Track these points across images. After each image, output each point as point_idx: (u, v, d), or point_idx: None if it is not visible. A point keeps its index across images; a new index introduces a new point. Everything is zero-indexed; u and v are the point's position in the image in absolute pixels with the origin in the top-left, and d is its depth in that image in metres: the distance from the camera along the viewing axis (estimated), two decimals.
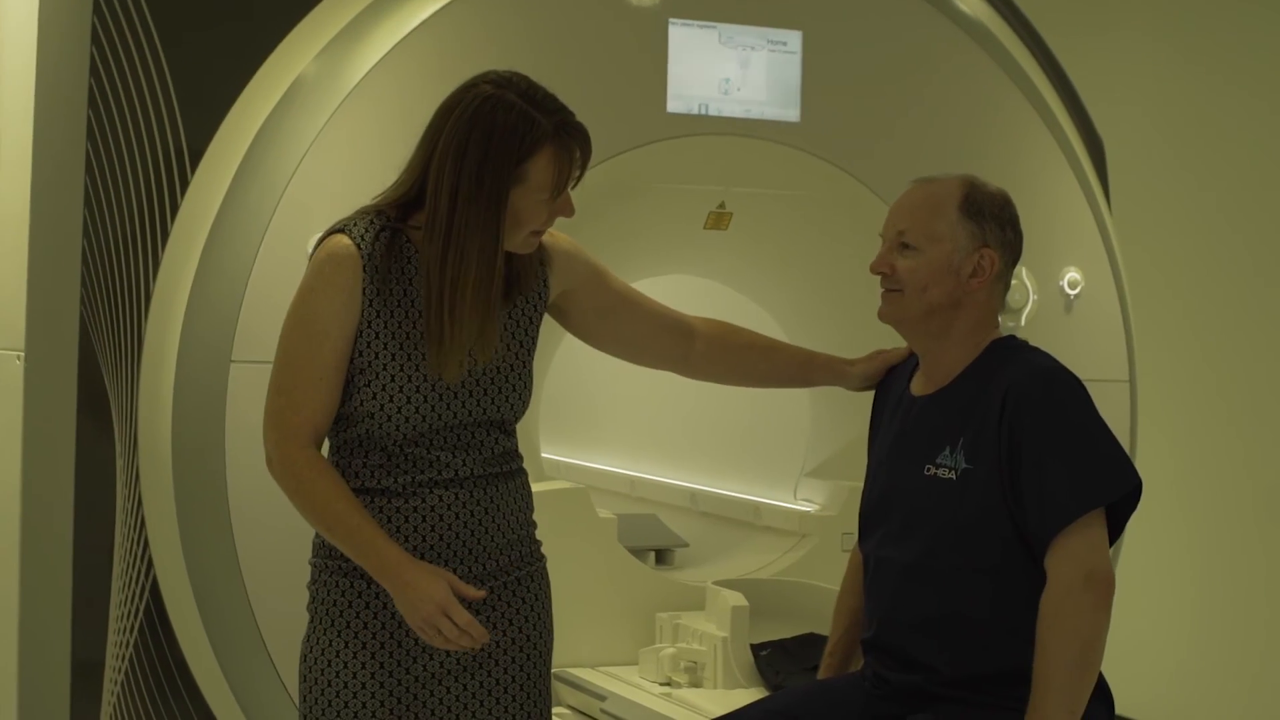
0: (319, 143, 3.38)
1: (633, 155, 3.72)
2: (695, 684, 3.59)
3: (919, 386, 2.92)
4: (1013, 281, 4.05)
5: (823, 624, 3.60)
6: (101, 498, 3.54)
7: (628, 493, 5.06)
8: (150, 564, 3.49)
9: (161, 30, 3.47)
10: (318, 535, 2.71)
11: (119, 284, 3.51)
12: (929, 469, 2.81)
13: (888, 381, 3.05)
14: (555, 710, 3.64)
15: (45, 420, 3.57)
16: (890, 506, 2.88)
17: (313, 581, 2.74)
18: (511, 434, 2.79)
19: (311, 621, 2.72)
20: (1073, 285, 4.21)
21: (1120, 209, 4.57)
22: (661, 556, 4.48)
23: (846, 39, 3.94)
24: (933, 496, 2.80)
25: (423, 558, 2.64)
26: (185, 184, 3.49)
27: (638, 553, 4.10)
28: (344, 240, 2.64)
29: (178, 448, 3.38)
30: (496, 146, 2.59)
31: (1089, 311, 4.25)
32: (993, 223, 2.86)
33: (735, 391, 3.89)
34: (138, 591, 3.52)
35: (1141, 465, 4.33)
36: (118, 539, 3.54)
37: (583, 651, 3.74)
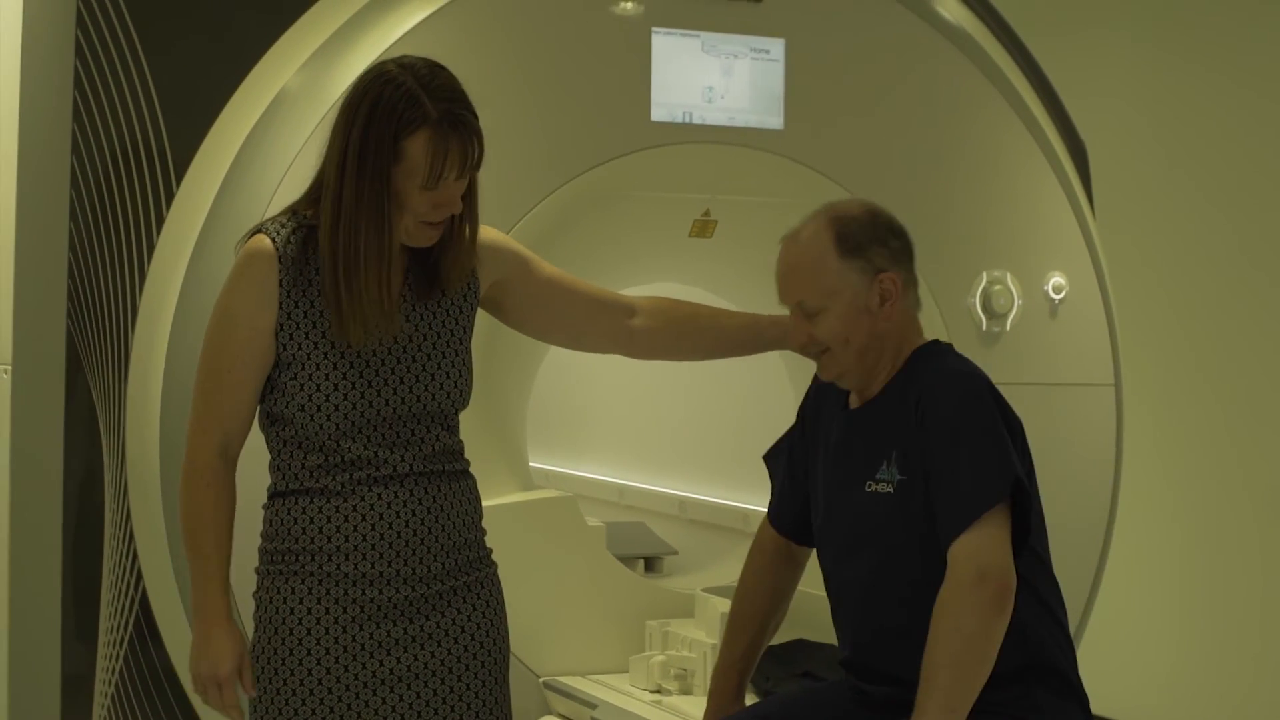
0: (304, 154, 3.38)
1: (617, 164, 3.72)
2: (685, 691, 3.59)
3: (852, 399, 2.92)
4: (995, 287, 4.13)
5: (812, 630, 3.61)
6: (90, 510, 3.54)
7: (616, 501, 5.06)
8: (139, 576, 3.50)
9: (146, 43, 3.48)
10: (263, 544, 2.75)
11: (105, 296, 3.52)
12: (870, 485, 2.81)
13: (817, 388, 3.02)
14: (545, 719, 3.65)
15: (33, 433, 3.57)
16: (838, 524, 2.88)
17: (259, 588, 2.74)
18: (453, 431, 2.79)
19: (257, 630, 2.72)
20: (1057, 290, 4.22)
21: (1103, 211, 4.58)
22: (650, 564, 4.49)
23: (829, 46, 3.95)
24: (876, 513, 2.79)
25: (365, 558, 2.67)
26: (171, 196, 3.50)
27: (626, 560, 4.10)
28: (259, 238, 2.69)
29: (165, 460, 3.38)
30: (378, 120, 2.60)
31: (1074, 316, 4.25)
32: (874, 246, 2.83)
33: (723, 399, 3.90)
34: (127, 604, 3.52)
35: (1128, 469, 4.36)
36: (106, 551, 3.54)
37: (572, 659, 3.74)
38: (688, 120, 3.80)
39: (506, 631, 2.85)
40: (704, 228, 4.04)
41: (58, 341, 3.53)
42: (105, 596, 3.55)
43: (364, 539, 2.67)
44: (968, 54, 4.11)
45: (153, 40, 3.48)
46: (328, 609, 2.66)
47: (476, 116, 2.70)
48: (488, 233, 2.85)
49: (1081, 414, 4.26)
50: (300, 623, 2.67)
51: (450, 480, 2.76)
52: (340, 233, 2.61)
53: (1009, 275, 4.14)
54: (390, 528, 2.68)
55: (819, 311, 2.81)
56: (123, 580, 3.52)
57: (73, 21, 3.47)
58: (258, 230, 2.71)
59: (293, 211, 2.72)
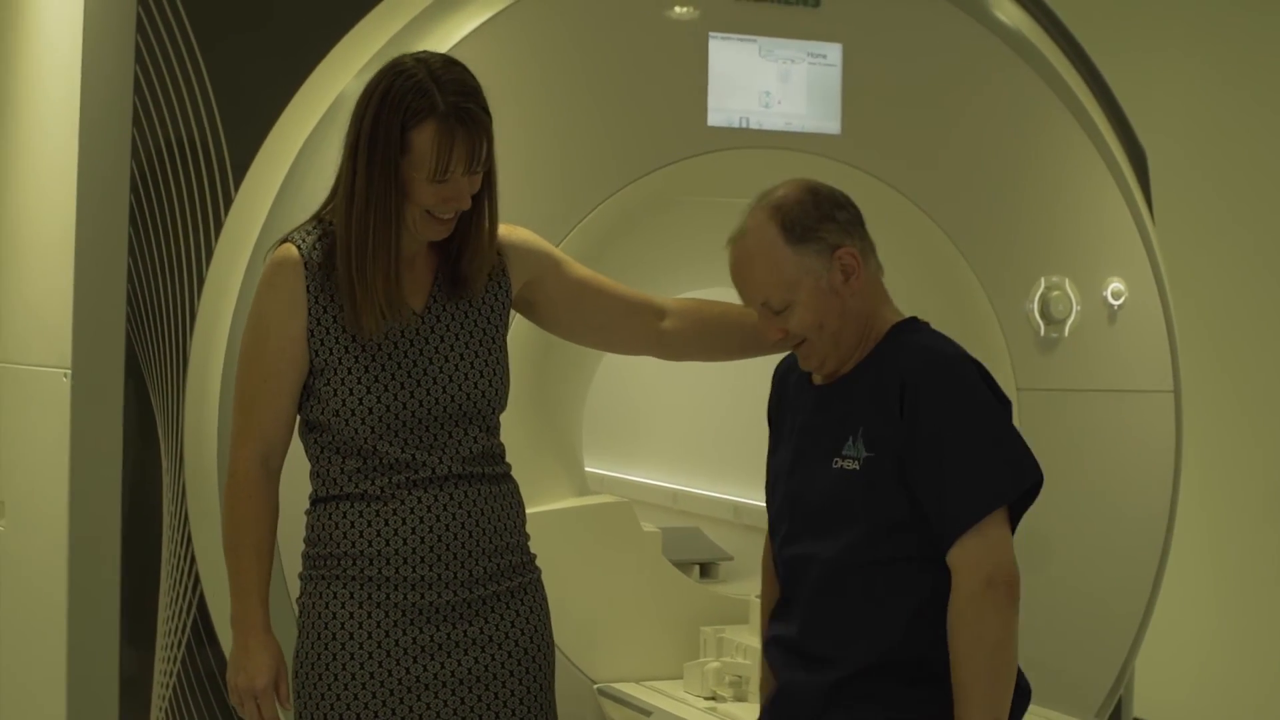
0: None
1: (674, 169, 3.72)
2: (740, 698, 3.57)
3: (819, 375, 2.84)
4: (1053, 293, 4.10)
5: None
6: (148, 514, 3.56)
7: (670, 506, 5.05)
8: (197, 579, 3.51)
9: (204, 47, 3.49)
10: (306, 549, 2.76)
11: (164, 302, 3.53)
12: (837, 461, 2.72)
13: (784, 369, 2.96)
14: None
15: (92, 438, 3.59)
16: (803, 501, 2.79)
17: (303, 594, 2.75)
18: (492, 433, 2.79)
19: (300, 635, 2.73)
20: (1116, 296, 4.19)
21: (1163, 216, 4.55)
22: (705, 570, 4.47)
23: (886, 51, 3.93)
24: (843, 491, 2.71)
25: (405, 562, 2.68)
26: (229, 200, 3.51)
27: (681, 566, 4.09)
28: (286, 246, 2.72)
29: (223, 464, 3.38)
30: (388, 109, 2.61)
31: (1133, 322, 4.22)
32: (823, 226, 2.75)
33: None
34: (184, 606, 3.53)
35: (1187, 476, 4.33)
36: (164, 555, 3.55)
37: (627, 665, 3.74)
38: (744, 125, 3.79)
39: (551, 638, 2.84)
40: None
41: (117, 346, 3.55)
42: (163, 600, 3.57)
43: (404, 543, 2.68)
44: (1026, 59, 4.08)
45: (211, 45, 3.50)
46: (369, 613, 2.67)
47: (489, 114, 2.68)
48: (518, 233, 2.87)
49: (1141, 421, 4.23)
50: (343, 627, 2.67)
51: (491, 483, 2.76)
52: (353, 221, 2.63)
53: (1068, 281, 4.12)
54: (431, 531, 2.69)
55: (786, 306, 2.73)
56: (180, 583, 3.53)
57: (133, 27, 3.48)
58: (285, 240, 2.74)
59: (318, 219, 2.75)
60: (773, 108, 3.81)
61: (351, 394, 2.67)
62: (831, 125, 3.87)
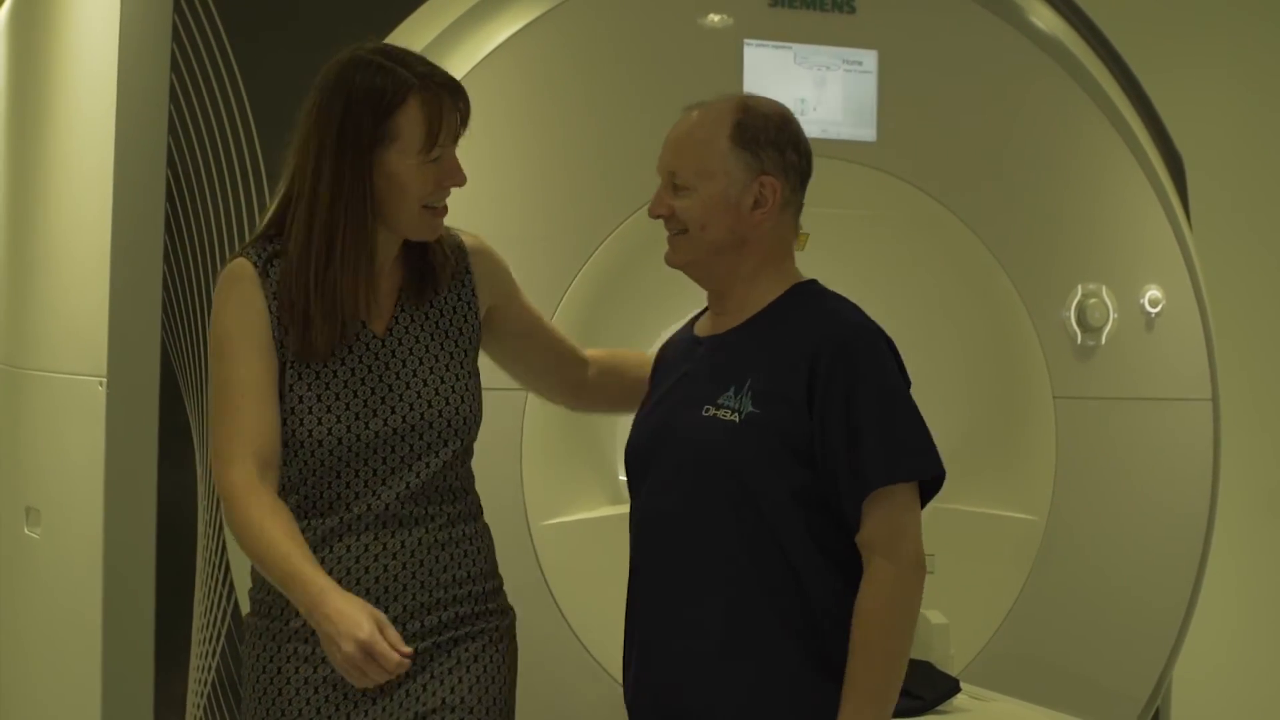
0: None
1: None
2: None
3: (705, 328, 2.73)
4: (1090, 300, 4.09)
5: (918, 649, 3.58)
6: (183, 522, 3.56)
7: None
8: (231, 588, 3.51)
9: (240, 57, 3.50)
10: (250, 588, 2.61)
11: (200, 310, 3.53)
12: (708, 409, 2.57)
13: (664, 346, 2.86)
14: None
15: (127, 446, 3.59)
16: (658, 450, 2.65)
17: (243, 642, 2.60)
18: (454, 465, 2.58)
19: (244, 688, 2.60)
20: (1154, 303, 4.17)
21: (1201, 224, 4.52)
22: None
23: (922, 58, 3.92)
24: (710, 437, 2.56)
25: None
26: (264, 209, 3.51)
27: None
28: (239, 261, 2.55)
29: None
30: (358, 104, 2.47)
31: (1170, 330, 4.21)
32: (770, 149, 2.64)
33: None
34: (220, 615, 3.53)
35: (1225, 484, 4.31)
36: (199, 563, 3.56)
37: None
38: None
39: (509, 702, 2.65)
40: (797, 240, 4.02)
41: (152, 355, 3.55)
42: (198, 608, 3.57)
43: (357, 582, 2.49)
44: (1063, 65, 4.07)
45: (247, 54, 3.50)
46: (300, 671, 2.51)
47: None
48: (484, 247, 2.74)
49: (1178, 429, 4.22)
50: (280, 693, 2.52)
51: (442, 527, 2.57)
52: (315, 232, 2.47)
53: (1104, 288, 4.10)
54: (359, 584, 2.48)
55: (687, 188, 2.62)
56: (215, 591, 3.53)
57: (168, 36, 3.49)
58: (237, 256, 2.57)
59: (266, 237, 2.57)
60: (808, 115, 3.80)
61: (302, 424, 2.50)
62: (867, 132, 3.86)
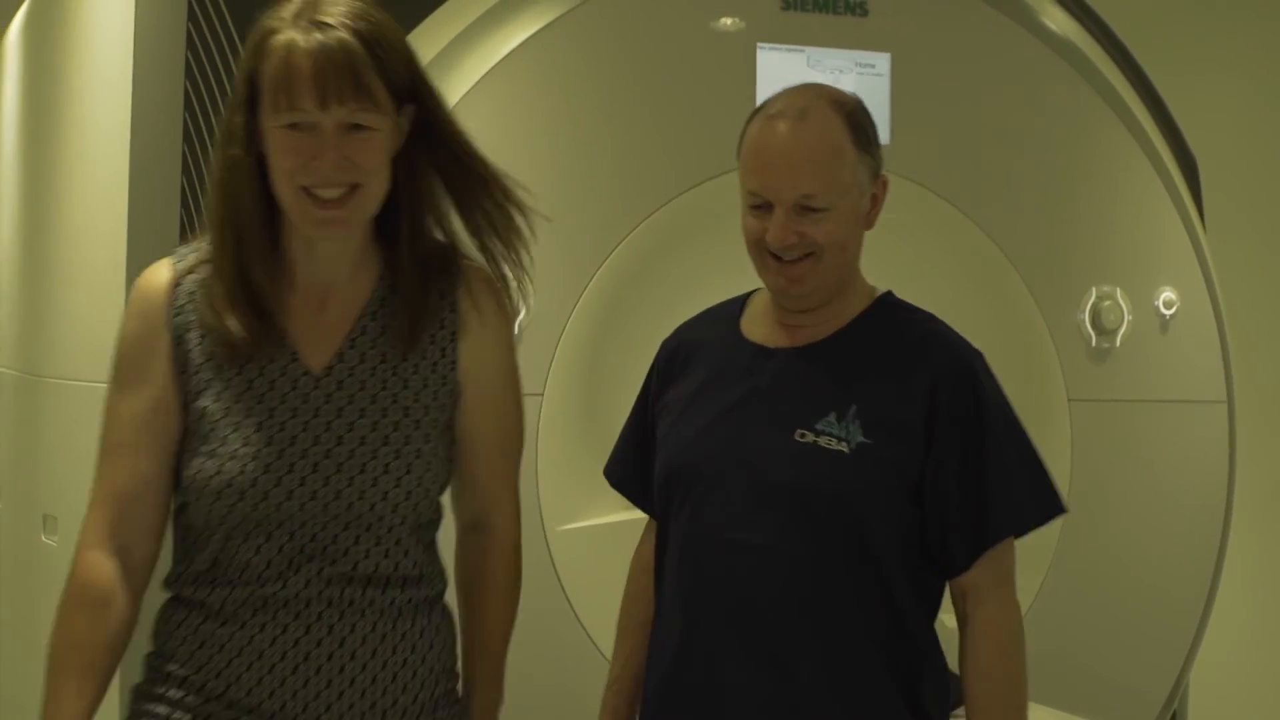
0: None
1: (723, 180, 3.71)
2: None
3: (772, 336, 2.43)
4: (1104, 303, 4.08)
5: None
6: None
7: None
8: None
9: None
10: (148, 649, 2.20)
11: None
12: (803, 434, 2.31)
13: (678, 342, 2.56)
14: None
15: None
16: (726, 472, 2.35)
17: (130, 712, 2.21)
18: (403, 548, 2.12)
19: None
20: (1168, 305, 4.16)
21: (1215, 225, 4.52)
22: None
23: (935, 60, 3.92)
24: (812, 467, 2.29)
25: (250, 710, 2.06)
26: None
27: None
28: (153, 266, 2.17)
29: None
30: (241, 64, 2.08)
31: (1185, 331, 4.20)
32: (876, 143, 2.42)
33: None
34: None
35: (1240, 487, 4.30)
36: None
37: None
38: None
39: None
40: None
41: None
42: None
43: (245, 683, 2.06)
44: (1076, 68, 4.07)
45: None
46: None
47: (374, 39, 2.05)
48: (492, 315, 2.22)
49: (1193, 431, 4.21)
50: None
51: (386, 618, 2.11)
52: (215, 198, 2.10)
53: (1119, 290, 4.09)
54: (261, 686, 2.06)
55: (825, 209, 2.32)
56: None
57: (183, 44, 3.49)
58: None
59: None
60: None
61: (201, 472, 2.06)
62: (880, 135, 3.86)
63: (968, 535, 2.34)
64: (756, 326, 2.48)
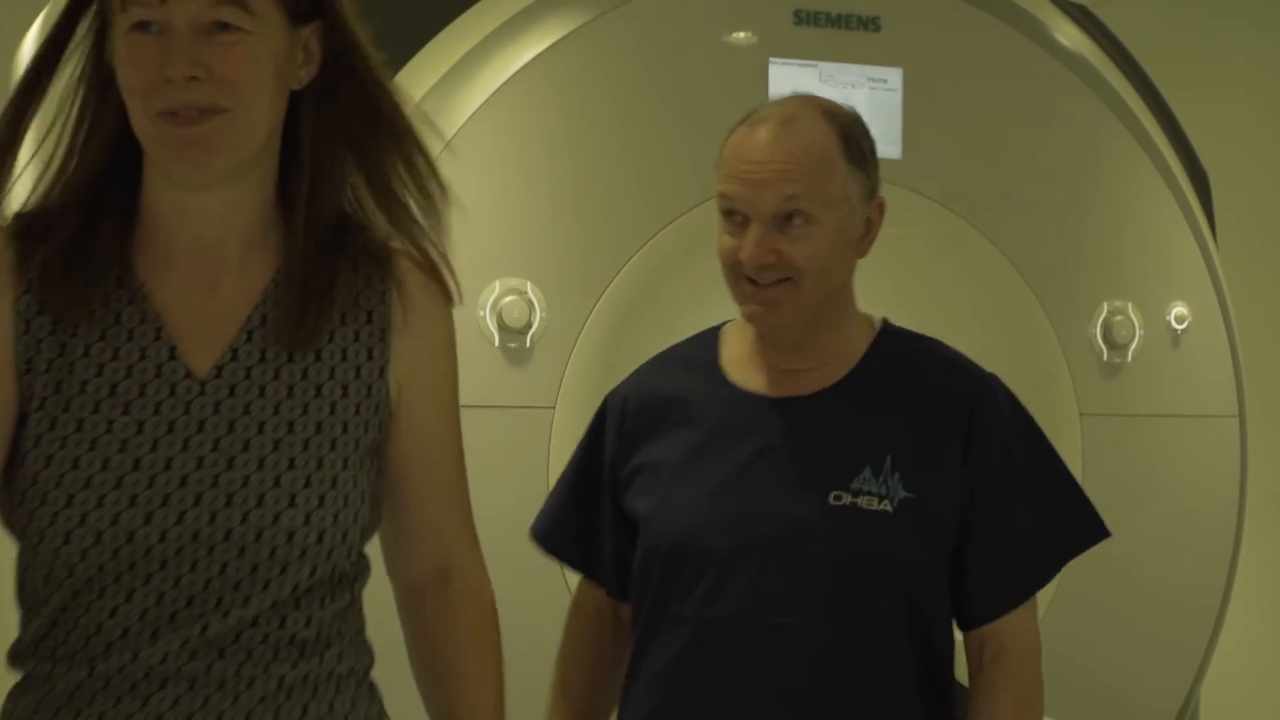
0: None
1: None
2: None
3: (771, 383, 2.16)
4: (1116, 318, 4.08)
5: None
6: None
7: None
8: None
9: None
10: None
11: None
12: (838, 496, 2.05)
13: (656, 386, 2.25)
14: None
15: None
16: (748, 547, 2.06)
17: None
18: (308, 602, 1.62)
19: None
20: (1180, 320, 4.16)
21: (1227, 240, 4.52)
22: None
23: (947, 75, 3.92)
24: (856, 534, 2.04)
25: None
26: None
27: None
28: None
29: None
30: None
31: (1197, 346, 4.20)
32: (873, 160, 2.19)
33: None
34: None
35: (1251, 501, 4.29)
36: None
37: None
38: None
39: None
40: None
41: None
42: None
43: None
44: (1088, 82, 4.07)
45: None
46: None
47: None
48: (429, 303, 1.78)
49: (1205, 446, 4.21)
50: None
51: (276, 699, 1.60)
52: (59, 124, 1.63)
53: (1130, 305, 4.09)
54: None
55: (808, 223, 2.08)
56: None
57: None
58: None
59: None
60: None
61: (43, 504, 1.55)
62: (892, 150, 3.86)
63: (1008, 583, 2.15)
64: (746, 373, 2.21)
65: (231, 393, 1.62)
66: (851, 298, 2.24)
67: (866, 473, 2.07)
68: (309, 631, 1.63)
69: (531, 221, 3.46)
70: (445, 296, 1.80)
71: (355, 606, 1.72)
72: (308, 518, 1.60)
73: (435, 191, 1.78)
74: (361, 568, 1.72)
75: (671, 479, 2.16)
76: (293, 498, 1.60)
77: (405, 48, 3.56)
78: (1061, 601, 4.03)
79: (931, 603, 2.11)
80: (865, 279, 4.06)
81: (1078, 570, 4.02)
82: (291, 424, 1.63)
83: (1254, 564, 4.50)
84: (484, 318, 3.36)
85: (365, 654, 1.75)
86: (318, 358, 1.66)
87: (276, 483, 1.60)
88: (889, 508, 2.05)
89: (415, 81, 3.53)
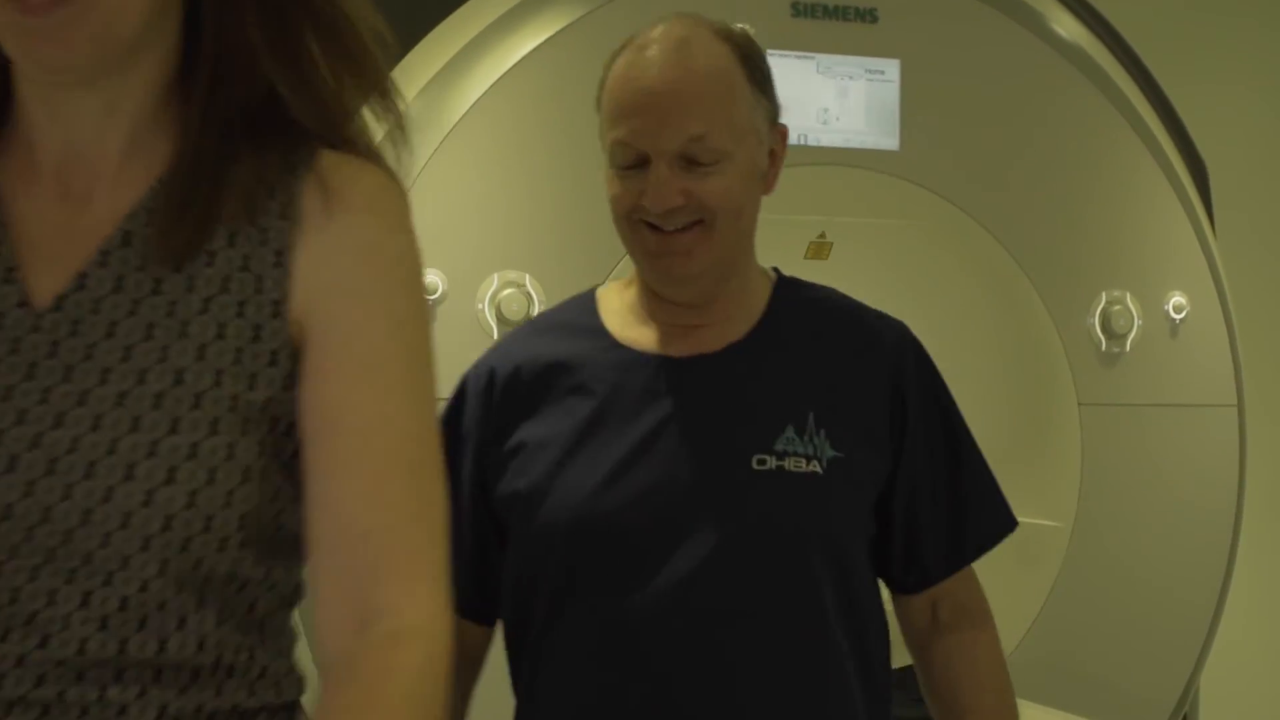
0: (422, 179, 3.41)
1: None
2: None
3: (669, 342, 1.91)
4: (1114, 307, 4.08)
5: None
6: None
7: None
8: None
9: None
10: None
11: None
12: (761, 459, 1.83)
13: (532, 353, 1.94)
14: None
15: None
16: (670, 525, 1.81)
17: None
18: (179, 614, 1.23)
19: None
20: (1178, 310, 4.16)
21: (1225, 229, 4.52)
22: None
23: (945, 66, 3.92)
24: (785, 498, 1.83)
25: None
26: None
27: None
28: None
29: None
30: None
31: (1195, 336, 4.20)
32: (773, 85, 1.97)
33: None
34: None
35: (1250, 491, 4.30)
36: None
37: None
38: (803, 142, 3.78)
39: None
40: (820, 249, 4.02)
41: None
42: None
43: None
44: (1085, 72, 4.07)
45: None
46: None
47: None
48: (371, 180, 1.36)
49: (1204, 435, 4.21)
50: None
51: None
52: None
53: (1128, 295, 4.09)
54: None
55: (717, 160, 1.84)
56: None
57: None
58: None
59: None
60: (831, 124, 3.81)
61: None
62: (890, 141, 3.87)
63: (954, 541, 2.01)
64: (636, 332, 1.95)
65: (74, 330, 1.23)
66: (753, 245, 2.00)
67: (790, 432, 1.85)
68: (202, 655, 1.24)
69: (530, 214, 3.46)
70: (382, 200, 1.34)
71: (275, 625, 1.32)
72: (149, 496, 1.18)
73: (368, 67, 1.40)
74: (276, 575, 1.30)
75: (564, 456, 1.86)
76: (131, 469, 1.18)
77: (404, 40, 3.56)
78: (1060, 591, 4.04)
79: (860, 574, 1.91)
80: (864, 270, 4.07)
81: (1076, 558, 4.04)
82: (144, 373, 1.22)
83: (1253, 553, 4.51)
84: (483, 310, 3.36)
85: (290, 687, 1.33)
86: (190, 287, 1.25)
87: (112, 449, 1.19)
88: (818, 468, 1.84)
89: (414, 74, 3.53)
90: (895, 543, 1.98)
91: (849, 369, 1.93)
